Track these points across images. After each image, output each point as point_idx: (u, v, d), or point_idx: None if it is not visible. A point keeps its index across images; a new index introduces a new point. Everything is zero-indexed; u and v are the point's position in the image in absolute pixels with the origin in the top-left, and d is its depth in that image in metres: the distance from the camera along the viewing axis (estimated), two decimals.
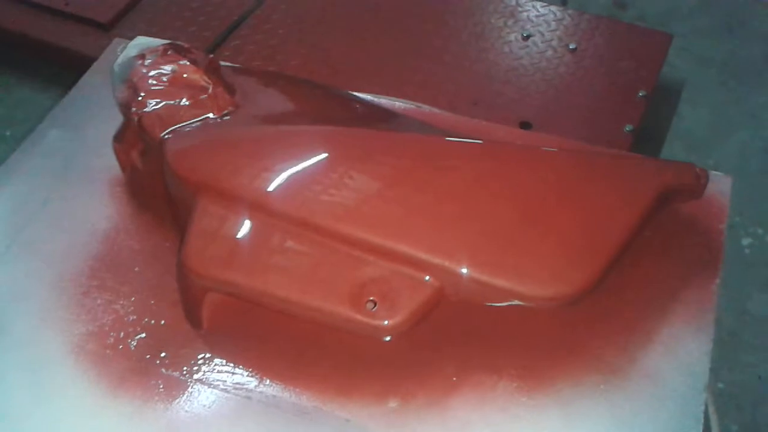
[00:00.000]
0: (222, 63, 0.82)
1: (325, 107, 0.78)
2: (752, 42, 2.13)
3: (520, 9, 1.59)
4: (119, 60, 0.79)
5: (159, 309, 0.71)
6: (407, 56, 1.48)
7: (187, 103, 0.73)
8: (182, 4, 1.62)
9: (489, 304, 0.66)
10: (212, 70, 0.76)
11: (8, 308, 0.72)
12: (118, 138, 0.77)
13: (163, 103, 0.73)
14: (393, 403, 0.65)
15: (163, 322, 0.70)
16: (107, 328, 0.70)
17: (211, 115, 0.74)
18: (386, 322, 0.63)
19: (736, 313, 1.71)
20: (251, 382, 0.66)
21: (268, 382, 0.66)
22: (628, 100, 1.43)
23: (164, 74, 0.74)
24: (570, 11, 1.61)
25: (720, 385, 1.61)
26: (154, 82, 0.73)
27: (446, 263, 0.64)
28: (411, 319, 0.64)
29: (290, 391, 0.66)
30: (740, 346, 1.67)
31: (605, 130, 1.37)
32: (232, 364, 0.67)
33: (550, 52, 1.52)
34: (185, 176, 0.69)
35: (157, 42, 0.81)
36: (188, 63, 0.75)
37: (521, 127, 1.36)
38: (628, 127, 1.37)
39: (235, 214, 0.67)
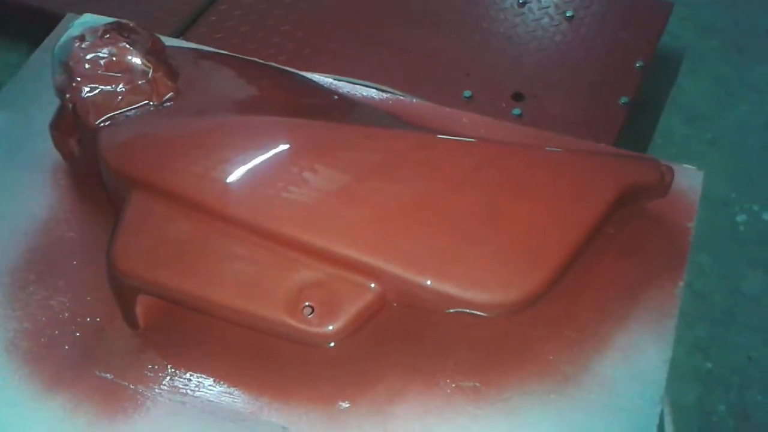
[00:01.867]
0: (176, 43, 0.78)
1: (275, 95, 0.73)
2: (756, 11, 2.05)
3: None
4: (61, 40, 0.75)
5: (95, 306, 0.68)
6: (398, 28, 1.42)
7: (124, 88, 0.69)
8: None
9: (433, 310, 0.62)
10: (155, 53, 0.72)
11: None
12: (55, 125, 0.73)
13: (99, 88, 0.69)
14: (335, 410, 0.62)
15: (98, 319, 0.67)
16: (42, 326, 0.67)
17: (150, 103, 0.70)
18: (323, 329, 0.60)
19: (729, 291, 1.68)
20: (187, 387, 0.63)
21: (204, 386, 0.63)
22: (625, 71, 1.37)
23: (101, 58, 0.70)
24: None
25: (708, 365, 1.59)
26: (90, 66, 0.69)
27: (386, 267, 0.61)
28: (350, 327, 0.60)
29: (227, 397, 0.63)
30: (731, 326, 1.64)
31: (600, 101, 1.32)
32: (167, 367, 0.64)
33: (546, 20, 1.46)
34: (118, 169, 0.66)
35: (104, 20, 0.76)
36: (127, 45, 0.71)
37: (513, 99, 1.31)
38: (623, 99, 1.32)
39: (168, 211, 0.63)
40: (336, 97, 0.77)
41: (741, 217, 1.76)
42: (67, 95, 0.69)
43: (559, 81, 1.36)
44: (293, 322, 0.60)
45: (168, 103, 0.70)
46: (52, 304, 0.68)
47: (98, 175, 0.72)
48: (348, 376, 0.63)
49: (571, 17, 1.45)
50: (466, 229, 0.62)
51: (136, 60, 0.70)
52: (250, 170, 0.65)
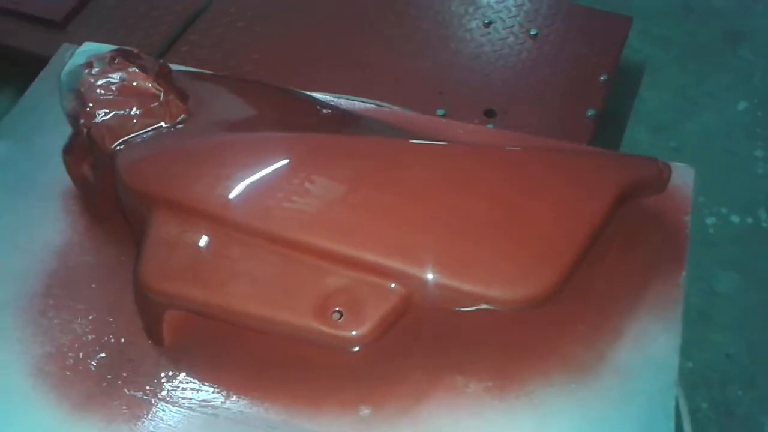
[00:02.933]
0: (175, 67, 0.79)
1: (283, 112, 0.76)
2: (711, 22, 2.13)
3: None
4: (66, 69, 0.76)
5: (118, 327, 0.69)
6: (370, 49, 1.46)
7: (137, 112, 0.71)
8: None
9: (457, 309, 0.65)
10: (163, 76, 0.74)
11: None
12: (68, 150, 0.74)
13: (113, 113, 0.70)
14: (363, 413, 0.63)
15: (123, 339, 0.68)
16: (66, 349, 0.68)
17: (163, 124, 0.71)
18: (353, 333, 0.62)
19: (703, 292, 1.73)
20: (217, 399, 0.64)
21: (234, 398, 0.65)
22: (590, 85, 1.43)
23: (113, 83, 0.71)
24: None
25: (689, 364, 1.63)
26: (103, 91, 0.71)
27: (410, 269, 0.63)
28: (378, 329, 0.62)
29: (258, 406, 0.64)
30: (708, 326, 1.69)
31: (568, 115, 1.37)
32: (196, 381, 0.66)
33: (511, 39, 1.51)
34: (138, 189, 0.67)
35: (106, 48, 0.78)
36: (137, 70, 0.72)
37: (485, 115, 1.35)
38: (590, 112, 1.37)
39: (191, 227, 0.65)
40: (342, 111, 0.79)
41: (710, 220, 1.81)
42: (81, 121, 0.70)
43: (529, 97, 1.40)
44: (324, 328, 0.61)
45: (180, 125, 0.72)
46: (74, 327, 0.69)
47: (110, 199, 0.73)
48: (374, 380, 0.65)
49: (535, 35, 1.50)
50: (483, 230, 0.65)
51: (148, 84, 0.72)
52: (269, 183, 0.67)
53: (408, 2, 1.56)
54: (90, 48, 0.80)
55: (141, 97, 0.71)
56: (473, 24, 1.54)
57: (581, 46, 1.50)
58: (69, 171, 0.76)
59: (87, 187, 0.76)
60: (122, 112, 0.71)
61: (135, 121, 0.71)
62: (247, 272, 0.64)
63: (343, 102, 0.85)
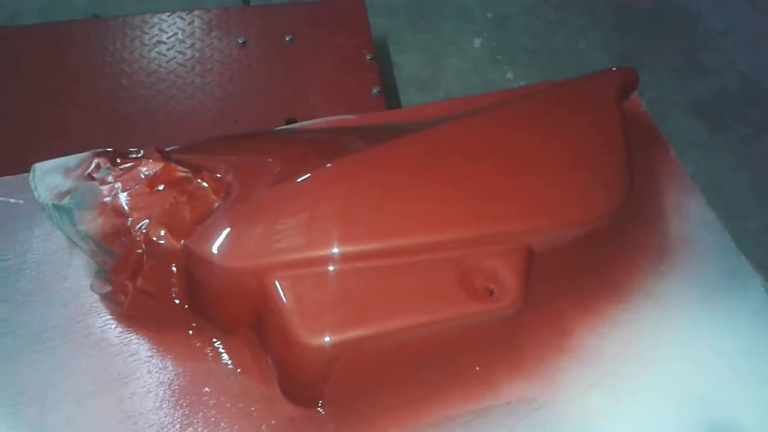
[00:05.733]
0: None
1: (310, 145, 0.74)
2: None
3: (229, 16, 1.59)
4: (46, 194, 0.67)
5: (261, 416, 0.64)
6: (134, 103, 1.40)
7: (182, 199, 0.65)
8: None
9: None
10: (170, 158, 0.68)
11: None
12: (117, 269, 0.65)
13: (159, 210, 0.64)
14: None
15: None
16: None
17: (216, 203, 0.66)
18: (511, 299, 0.65)
19: None
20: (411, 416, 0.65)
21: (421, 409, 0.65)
22: (361, 67, 1.51)
23: (136, 183, 0.64)
24: (273, 6, 1.64)
25: None
26: (133, 194, 0.64)
27: (520, 226, 0.68)
28: (525, 285, 0.67)
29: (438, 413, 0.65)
30: None
31: (359, 98, 1.45)
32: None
33: (272, 50, 1.54)
34: (245, 267, 0.62)
35: (72, 159, 0.69)
36: (150, 160, 0.66)
37: (287, 123, 1.37)
38: (375, 90, 1.46)
39: (319, 274, 0.63)
40: (348, 129, 0.80)
41: None
42: (132, 231, 0.63)
43: (319, 96, 1.44)
44: (487, 306, 0.64)
45: (229, 195, 0.67)
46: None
47: (170, 299, 0.67)
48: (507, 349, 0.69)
49: (292, 40, 1.54)
50: (558, 174, 0.72)
51: (170, 169, 0.66)
52: (366, 204, 0.67)
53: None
54: (49, 167, 0.70)
55: (175, 184, 0.66)
56: (226, 46, 1.54)
57: (334, 36, 1.58)
58: (120, 290, 0.66)
59: (143, 300, 0.67)
60: (167, 205, 0.64)
61: (186, 209, 0.65)
62: (394, 291, 0.63)
63: (322, 123, 0.85)
